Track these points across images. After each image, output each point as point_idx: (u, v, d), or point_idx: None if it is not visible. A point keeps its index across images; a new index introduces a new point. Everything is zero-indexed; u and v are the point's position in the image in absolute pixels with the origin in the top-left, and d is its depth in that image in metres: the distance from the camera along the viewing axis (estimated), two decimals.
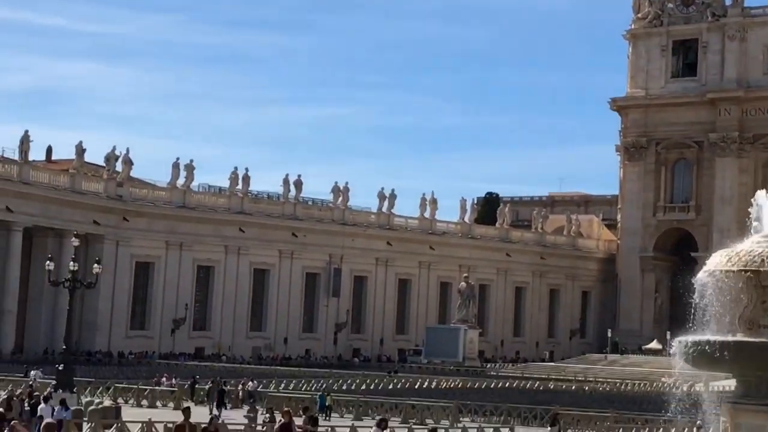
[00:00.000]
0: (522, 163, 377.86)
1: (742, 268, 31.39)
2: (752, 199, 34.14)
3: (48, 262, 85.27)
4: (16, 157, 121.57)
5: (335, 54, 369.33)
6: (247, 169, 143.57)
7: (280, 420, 44.58)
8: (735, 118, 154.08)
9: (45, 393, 56.62)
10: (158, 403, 71.84)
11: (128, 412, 55.94)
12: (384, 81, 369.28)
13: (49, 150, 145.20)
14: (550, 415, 61.16)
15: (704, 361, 33.22)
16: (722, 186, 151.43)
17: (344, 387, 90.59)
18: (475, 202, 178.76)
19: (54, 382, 67.83)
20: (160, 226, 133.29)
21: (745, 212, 40.41)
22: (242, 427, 49.15)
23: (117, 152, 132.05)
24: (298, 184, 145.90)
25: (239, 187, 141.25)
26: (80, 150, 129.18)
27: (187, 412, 37.35)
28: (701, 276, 33.86)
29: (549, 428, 54.93)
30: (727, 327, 33.42)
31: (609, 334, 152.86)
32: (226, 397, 71.05)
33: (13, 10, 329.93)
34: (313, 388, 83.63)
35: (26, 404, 48.97)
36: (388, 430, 44.15)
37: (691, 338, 33.45)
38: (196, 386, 79.54)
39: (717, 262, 32.95)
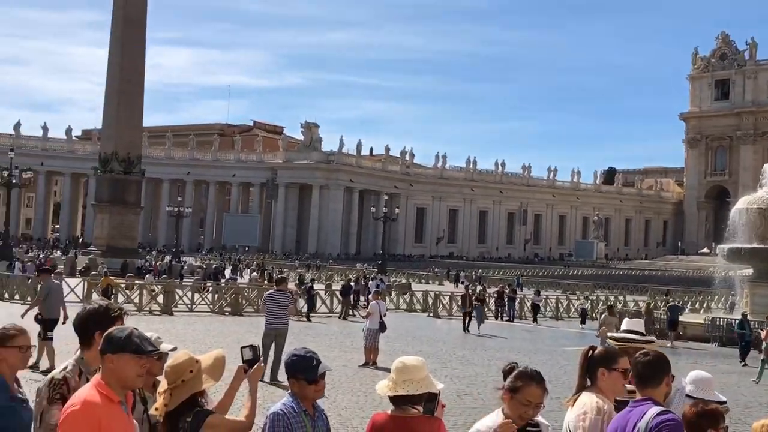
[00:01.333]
0: (630, 151, 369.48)
1: (757, 206, 41.60)
2: (762, 169, 47.62)
3: (372, 207, 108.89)
4: (354, 153, 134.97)
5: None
6: (475, 157, 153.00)
7: (495, 290, 51.04)
8: (750, 122, 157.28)
9: (372, 275, 64.66)
10: (429, 282, 77.08)
11: (414, 286, 60.83)
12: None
13: (371, 149, 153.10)
14: (654, 290, 66.99)
15: (734, 258, 43.45)
16: (744, 161, 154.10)
17: (529, 273, 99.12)
18: (602, 172, 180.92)
19: (376, 269, 77.09)
20: (428, 188, 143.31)
21: (756, 176, 55.97)
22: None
23: (406, 149, 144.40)
24: (503, 164, 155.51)
25: (471, 167, 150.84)
26: (387, 149, 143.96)
27: (467, 288, 41.70)
28: (733, 211, 44.61)
29: (646, 298, 56.77)
30: (747, 239, 41.73)
31: (679, 245, 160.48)
32: (463, 279, 74.44)
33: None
34: (512, 274, 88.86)
35: (362, 281, 53.10)
36: (542, 296, 50.67)
37: (727, 246, 43.80)
38: (449, 272, 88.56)
39: (742, 203, 43.88)
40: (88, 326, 5.17)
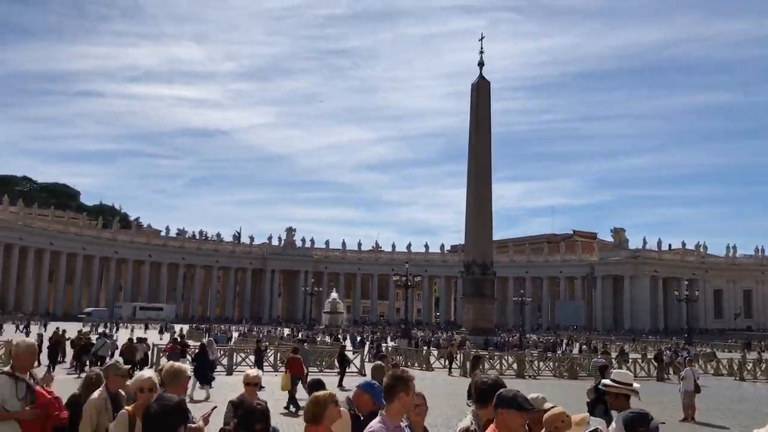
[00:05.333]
0: None
1: None
2: None
3: (675, 291, 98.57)
4: (655, 249, 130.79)
5: None
6: (763, 246, 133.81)
7: None
8: None
9: (681, 346, 59.79)
10: (731, 351, 63.86)
11: (719, 354, 51.05)
12: None
13: (669, 245, 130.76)
14: None
15: None
16: None
17: None
18: None
19: (684, 341, 71.11)
20: (723, 274, 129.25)
21: None
22: None
23: (700, 243, 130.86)
24: None
25: (760, 254, 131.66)
26: (683, 244, 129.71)
27: None
28: None
29: None
30: None
31: None
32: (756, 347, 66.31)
33: None
34: None
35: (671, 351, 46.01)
36: None
37: None
38: (749, 342, 73.97)
39: None
40: (486, 393, 5.26)
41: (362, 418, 5.65)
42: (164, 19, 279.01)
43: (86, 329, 49.26)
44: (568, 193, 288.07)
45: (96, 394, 6.33)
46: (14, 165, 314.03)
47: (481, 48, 66.17)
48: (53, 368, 26.25)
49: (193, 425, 5.64)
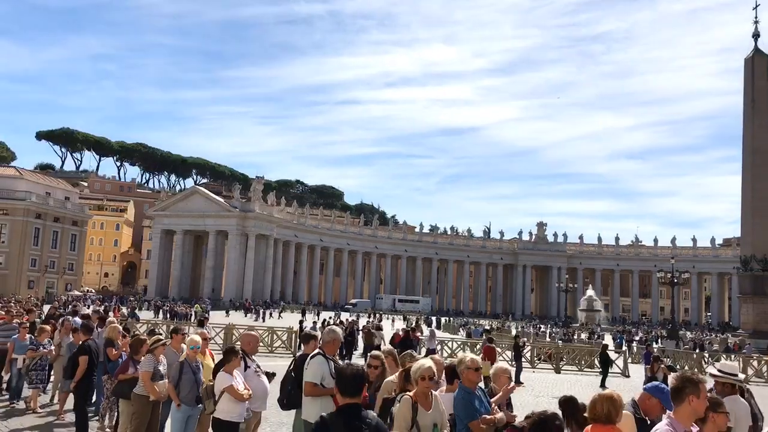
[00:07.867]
0: None
1: None
2: None
3: None
4: None
5: None
6: None
7: None
8: None
9: None
10: None
11: None
12: None
13: None
14: None
15: None
16: None
17: None
18: None
19: None
20: None
21: None
22: None
23: None
24: None
25: None
26: None
27: None
28: None
29: None
30: None
31: None
32: None
33: None
34: None
35: None
36: None
37: None
38: None
39: None
40: None
41: (648, 422, 5.45)
42: (416, 24, 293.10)
43: (352, 318, 53.69)
44: None
45: (392, 377, 7.38)
46: (290, 170, 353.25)
47: (756, 17, 60.02)
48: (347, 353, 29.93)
49: (488, 416, 5.90)
